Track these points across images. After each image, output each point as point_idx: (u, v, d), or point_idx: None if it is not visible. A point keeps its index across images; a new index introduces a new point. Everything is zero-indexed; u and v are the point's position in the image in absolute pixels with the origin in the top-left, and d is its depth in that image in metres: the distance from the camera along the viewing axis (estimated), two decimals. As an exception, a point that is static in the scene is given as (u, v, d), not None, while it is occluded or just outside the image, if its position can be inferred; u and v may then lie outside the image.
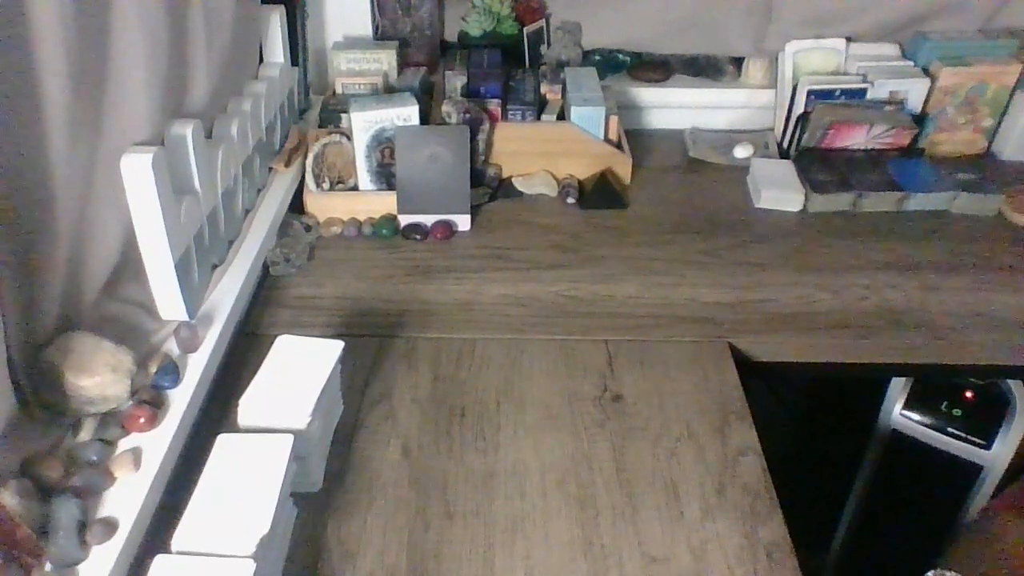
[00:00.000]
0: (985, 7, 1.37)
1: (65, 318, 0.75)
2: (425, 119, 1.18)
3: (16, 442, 0.68)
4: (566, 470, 0.81)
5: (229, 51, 0.98)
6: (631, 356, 0.95)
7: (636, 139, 1.36)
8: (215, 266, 0.98)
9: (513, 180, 1.27)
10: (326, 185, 1.17)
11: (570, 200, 1.24)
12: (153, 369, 0.80)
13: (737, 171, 1.33)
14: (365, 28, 1.40)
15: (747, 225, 1.21)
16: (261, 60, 1.19)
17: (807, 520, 0.91)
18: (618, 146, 1.29)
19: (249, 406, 0.74)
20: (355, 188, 1.18)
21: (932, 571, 0.87)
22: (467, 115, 1.17)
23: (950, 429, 1.23)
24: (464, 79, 1.26)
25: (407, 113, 1.13)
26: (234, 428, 0.74)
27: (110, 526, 0.66)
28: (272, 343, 0.80)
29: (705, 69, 1.48)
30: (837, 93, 1.33)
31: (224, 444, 0.69)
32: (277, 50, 1.20)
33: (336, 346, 0.81)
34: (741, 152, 1.36)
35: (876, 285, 1.08)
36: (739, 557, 0.73)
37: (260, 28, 1.17)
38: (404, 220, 1.16)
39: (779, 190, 1.25)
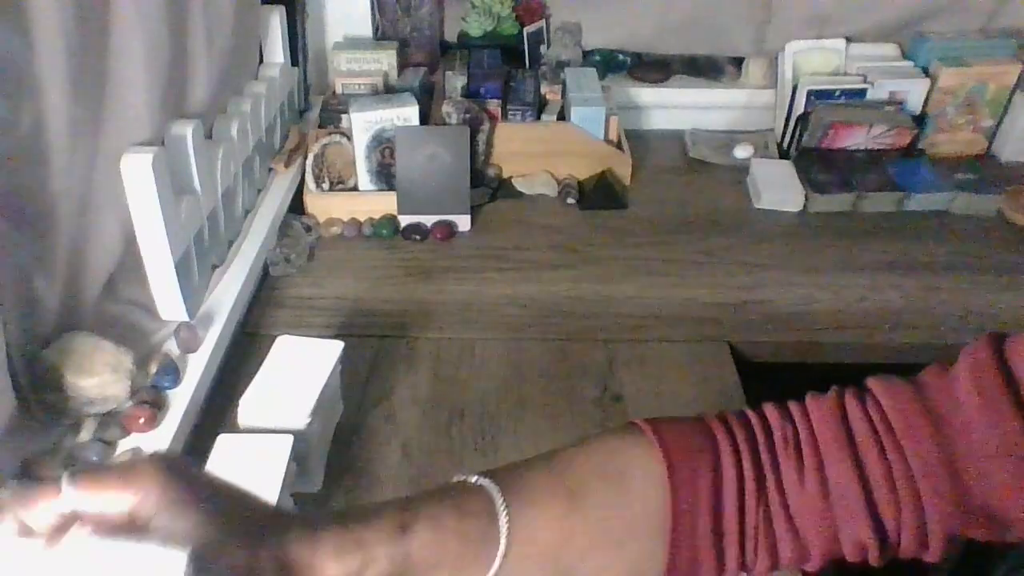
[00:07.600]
0: (985, 7, 1.37)
1: (65, 318, 0.75)
2: (425, 119, 1.18)
3: (16, 442, 0.68)
4: (566, 470, 0.81)
5: (229, 51, 0.98)
6: (631, 357, 0.95)
7: (636, 139, 1.36)
8: (215, 266, 0.98)
9: (513, 180, 1.27)
10: (326, 185, 1.17)
11: (570, 200, 1.24)
12: (153, 369, 0.80)
13: (737, 171, 1.33)
14: (365, 28, 1.40)
15: (747, 225, 1.21)
16: (261, 60, 1.19)
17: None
18: (618, 146, 1.29)
19: (249, 406, 0.74)
20: (355, 188, 1.18)
21: None
22: (467, 115, 1.17)
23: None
24: (464, 79, 1.25)
25: (407, 113, 1.13)
26: (234, 428, 0.74)
27: (110, 526, 0.66)
28: (272, 343, 0.80)
29: (705, 69, 1.48)
30: (837, 93, 1.33)
31: (224, 444, 0.69)
32: (277, 50, 1.20)
33: (336, 346, 0.80)
34: (741, 152, 1.36)
35: (876, 285, 1.08)
36: (739, 557, 0.73)
37: (260, 28, 1.17)
38: (404, 220, 1.16)
39: (779, 190, 1.25)
